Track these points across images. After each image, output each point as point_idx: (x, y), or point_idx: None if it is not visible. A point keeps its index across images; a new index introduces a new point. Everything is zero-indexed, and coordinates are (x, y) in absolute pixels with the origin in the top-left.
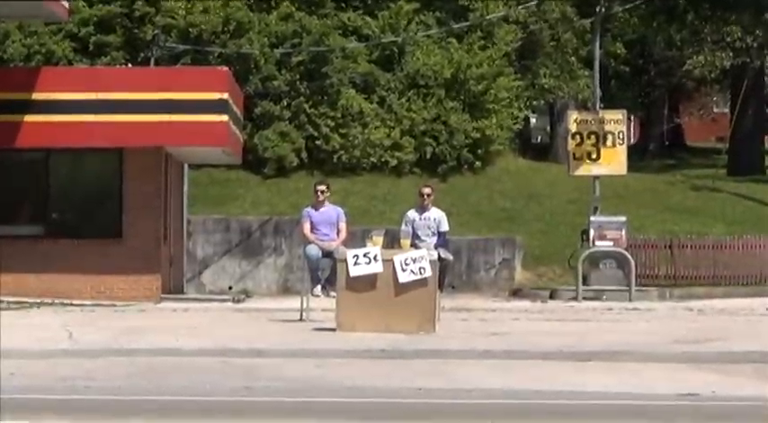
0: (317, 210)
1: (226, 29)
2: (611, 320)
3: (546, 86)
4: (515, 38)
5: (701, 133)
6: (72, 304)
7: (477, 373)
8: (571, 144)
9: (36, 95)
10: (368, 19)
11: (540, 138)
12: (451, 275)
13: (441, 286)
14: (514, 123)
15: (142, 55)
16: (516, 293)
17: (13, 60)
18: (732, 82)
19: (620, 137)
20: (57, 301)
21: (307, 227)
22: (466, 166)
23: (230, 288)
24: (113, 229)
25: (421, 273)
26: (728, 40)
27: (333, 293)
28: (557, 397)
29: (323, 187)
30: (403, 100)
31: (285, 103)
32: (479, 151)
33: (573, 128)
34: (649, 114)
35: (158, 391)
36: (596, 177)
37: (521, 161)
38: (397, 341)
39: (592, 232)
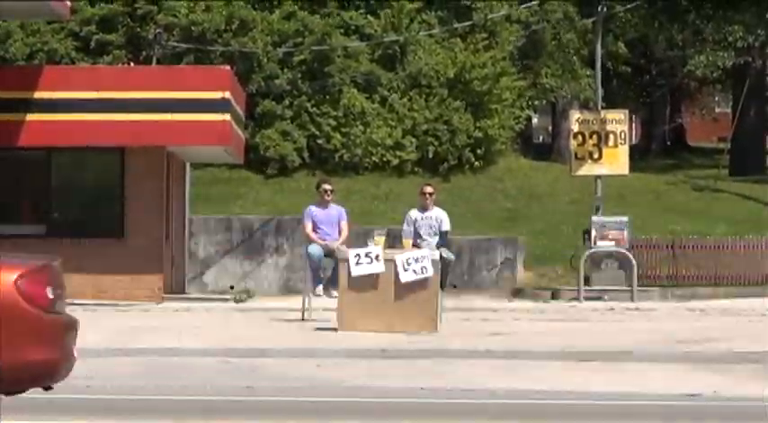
0: (321, 209)
1: (228, 27)
2: (613, 321)
3: (548, 86)
4: (517, 37)
5: (702, 133)
6: (73, 304)
7: (479, 373)
8: (573, 144)
9: (38, 94)
10: (370, 18)
11: (541, 137)
12: (453, 275)
13: (442, 286)
14: (516, 123)
15: (144, 54)
16: (518, 293)
17: (15, 59)
18: (734, 82)
19: (622, 137)
20: None
21: (309, 226)
22: (468, 166)
23: (232, 288)
24: (115, 228)
25: (423, 272)
26: (730, 39)
27: (334, 293)
28: (558, 397)
29: (330, 187)
30: (405, 99)
31: (287, 103)
32: (481, 151)
33: (575, 128)
34: (651, 114)
35: (160, 391)
36: (598, 177)
37: (522, 161)
38: (399, 341)
39: (594, 232)
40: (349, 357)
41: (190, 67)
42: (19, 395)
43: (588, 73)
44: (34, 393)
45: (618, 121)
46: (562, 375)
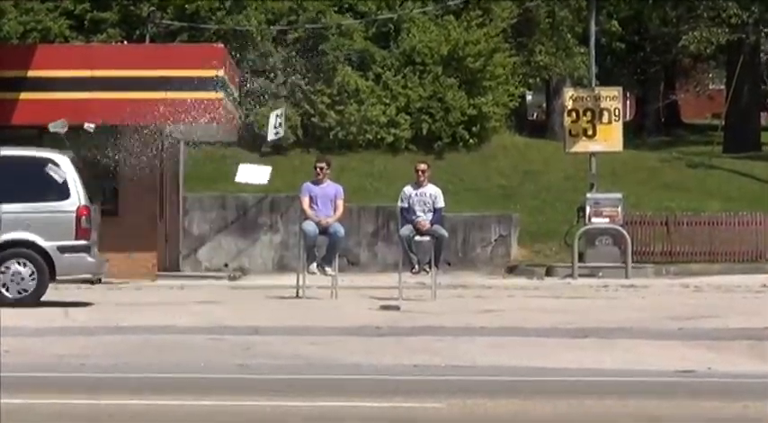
0: (317, 186)
1: (222, 5)
2: (607, 297)
3: (542, 64)
4: (511, 15)
5: (697, 110)
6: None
7: (473, 349)
8: (567, 121)
9: (32, 73)
10: None
11: (536, 115)
12: (447, 252)
13: (436, 263)
14: (510, 100)
15: (138, 32)
16: (512, 270)
17: (9, 38)
18: (728, 58)
19: (616, 113)
20: None
21: (306, 201)
22: (462, 143)
23: (226, 265)
24: (109, 206)
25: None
26: (724, 15)
27: (329, 271)
28: (553, 374)
29: (322, 164)
30: (399, 77)
31: (281, 80)
32: (475, 128)
33: (569, 105)
34: (645, 91)
35: (153, 369)
36: (592, 154)
37: (517, 138)
38: (393, 318)
39: (588, 209)
40: (343, 335)
41: (184, 45)
42: (15, 373)
43: (582, 50)
44: (30, 372)
45: (612, 98)
46: (556, 352)
